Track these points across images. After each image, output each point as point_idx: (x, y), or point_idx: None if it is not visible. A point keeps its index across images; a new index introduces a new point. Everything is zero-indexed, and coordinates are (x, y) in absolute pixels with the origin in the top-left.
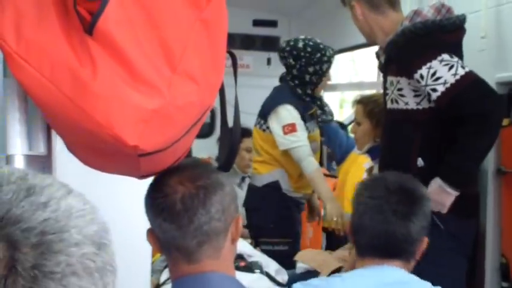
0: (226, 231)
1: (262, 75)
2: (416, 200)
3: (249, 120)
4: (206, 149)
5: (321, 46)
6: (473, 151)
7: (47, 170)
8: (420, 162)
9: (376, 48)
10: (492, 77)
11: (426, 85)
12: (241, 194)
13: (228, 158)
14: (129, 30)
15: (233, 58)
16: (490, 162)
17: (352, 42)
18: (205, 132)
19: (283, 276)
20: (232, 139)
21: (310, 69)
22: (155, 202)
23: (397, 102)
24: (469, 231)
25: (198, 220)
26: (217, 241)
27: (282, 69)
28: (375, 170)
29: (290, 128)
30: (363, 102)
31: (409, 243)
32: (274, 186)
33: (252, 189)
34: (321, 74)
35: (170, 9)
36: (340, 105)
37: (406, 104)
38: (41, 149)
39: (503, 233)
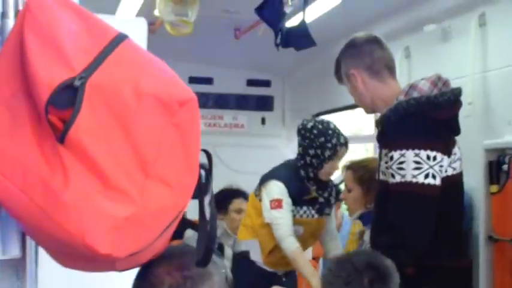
0: None
1: (256, 135)
2: (388, 275)
3: (242, 180)
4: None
5: (329, 132)
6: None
7: (21, 274)
8: None
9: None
10: (479, 143)
11: (390, 167)
12: None
13: (205, 253)
14: (101, 138)
15: (208, 156)
16: (481, 229)
17: (346, 102)
18: (198, 193)
19: None
20: (210, 233)
21: (311, 152)
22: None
23: (384, 174)
24: None
25: None
26: None
27: (276, 129)
28: (366, 236)
29: (276, 204)
30: (353, 169)
31: None
32: (245, 255)
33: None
34: (322, 159)
35: (142, 116)
36: None
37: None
38: (15, 252)
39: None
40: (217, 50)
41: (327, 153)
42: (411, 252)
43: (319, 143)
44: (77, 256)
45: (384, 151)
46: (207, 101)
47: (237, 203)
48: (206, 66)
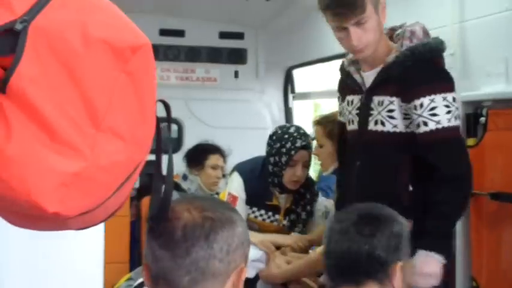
0: (226, 277)
1: (229, 89)
2: (383, 219)
3: (215, 135)
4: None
5: (285, 136)
6: (451, 212)
7: None
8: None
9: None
10: (458, 95)
11: (420, 115)
12: None
13: (160, 209)
14: (47, 87)
15: (166, 107)
16: None
17: (320, 54)
18: (172, 147)
19: None
20: (166, 189)
21: (271, 159)
22: (155, 225)
23: (382, 124)
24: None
25: (196, 253)
26: (213, 285)
27: (250, 83)
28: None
29: (231, 199)
30: (322, 124)
31: (376, 261)
32: None
33: None
34: (280, 166)
35: (91, 62)
36: (315, 110)
37: (395, 126)
38: None
39: (473, 256)
40: (189, 1)
41: (283, 159)
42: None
43: (275, 149)
44: (26, 215)
45: (382, 99)
46: (178, 53)
47: (213, 159)
48: (177, 18)
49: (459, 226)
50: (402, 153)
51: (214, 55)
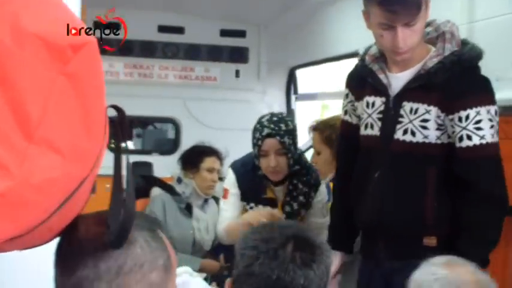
0: None
1: (230, 88)
2: (317, 247)
3: (214, 136)
4: (169, 167)
5: (257, 126)
6: (490, 235)
7: None
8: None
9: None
10: None
11: (465, 128)
12: (205, 217)
13: (120, 231)
14: None
15: (120, 114)
16: None
17: (324, 54)
18: (168, 148)
19: None
20: (127, 209)
21: (253, 152)
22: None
23: (413, 134)
24: None
25: (80, 272)
26: None
27: (251, 83)
28: None
29: (224, 193)
30: (319, 129)
31: None
32: None
33: None
34: (256, 157)
35: (24, 62)
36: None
37: (425, 137)
38: None
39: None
40: None
41: (255, 150)
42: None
43: (252, 141)
44: None
45: (417, 106)
46: (177, 51)
47: (209, 162)
48: (177, 14)
49: None
50: (429, 165)
51: (214, 53)
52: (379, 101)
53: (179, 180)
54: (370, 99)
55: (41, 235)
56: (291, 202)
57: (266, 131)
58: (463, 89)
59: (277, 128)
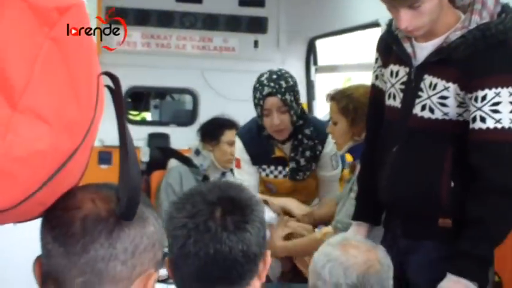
0: (129, 283)
1: (248, 59)
2: (246, 206)
3: (233, 108)
4: (186, 139)
5: (256, 86)
6: (495, 233)
7: None
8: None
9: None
10: None
11: (479, 109)
12: None
13: (128, 205)
14: None
15: (115, 81)
16: None
17: (345, 24)
18: (186, 120)
19: None
20: (132, 180)
21: (256, 112)
22: (50, 215)
23: (431, 110)
24: None
25: (94, 251)
26: None
27: (270, 53)
28: (357, 171)
29: (236, 163)
30: (336, 99)
31: (250, 261)
32: None
33: None
34: (259, 117)
35: (7, 26)
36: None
37: (445, 114)
38: None
39: (496, 250)
40: None
41: (258, 110)
42: None
43: (253, 101)
44: None
45: (436, 81)
46: (195, 21)
47: (229, 135)
48: None
49: None
50: (448, 143)
51: (233, 23)
52: (402, 71)
53: (197, 153)
54: (394, 68)
55: (32, 209)
56: (297, 158)
57: (266, 89)
58: (484, 66)
59: (277, 86)
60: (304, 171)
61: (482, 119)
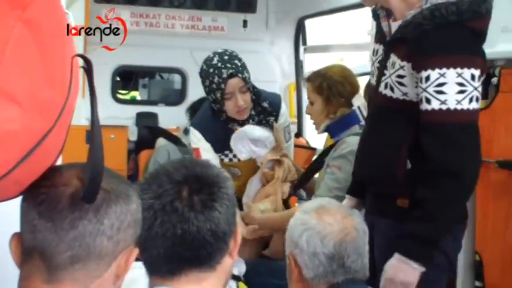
0: (113, 258)
1: (237, 39)
2: (212, 183)
3: None
4: (175, 118)
5: (210, 70)
6: (438, 215)
7: None
8: (407, 163)
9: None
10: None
11: (425, 89)
12: None
13: (91, 183)
14: None
15: (87, 64)
16: None
17: (334, 4)
18: (174, 99)
19: (240, 268)
20: (95, 162)
21: (209, 97)
22: (36, 191)
23: (392, 89)
24: (462, 236)
25: (83, 227)
26: (97, 265)
27: (259, 33)
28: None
29: (195, 154)
30: (311, 79)
31: (220, 239)
32: None
33: None
34: (219, 102)
35: None
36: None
37: (405, 94)
38: None
39: (477, 229)
40: None
41: (218, 94)
42: (468, 194)
43: (207, 87)
44: None
45: (395, 60)
46: (184, 0)
47: None
48: None
49: None
50: (408, 124)
51: (222, 3)
52: (380, 49)
53: (186, 132)
54: (375, 46)
55: (8, 188)
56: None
57: (226, 72)
58: (429, 46)
59: (234, 66)
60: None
61: (428, 100)
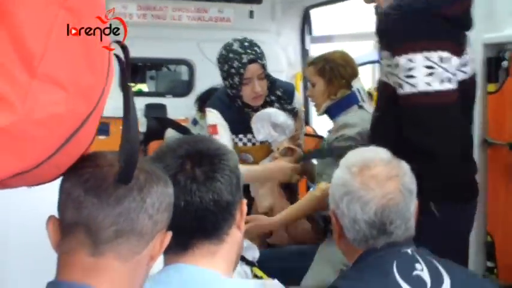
0: (151, 237)
1: (244, 29)
2: (214, 155)
3: None
4: (183, 109)
5: (230, 56)
6: None
7: None
8: None
9: None
10: (478, 37)
11: (397, 76)
12: None
13: (126, 166)
14: None
15: (125, 52)
16: (475, 132)
17: None
18: (182, 91)
19: (253, 254)
20: (130, 144)
21: (226, 83)
22: (80, 171)
23: (387, 77)
24: (466, 216)
25: (128, 203)
26: (138, 242)
27: (265, 23)
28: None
29: (211, 129)
30: (313, 63)
31: (223, 209)
32: None
33: None
34: (236, 88)
35: None
36: None
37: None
38: None
39: (489, 209)
40: None
41: (236, 80)
42: (446, 175)
43: (225, 72)
44: None
45: (385, 53)
46: None
47: None
48: None
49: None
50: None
51: None
52: None
53: (195, 122)
54: None
55: (47, 172)
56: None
57: (246, 57)
58: (398, 34)
59: (254, 52)
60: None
61: (400, 86)
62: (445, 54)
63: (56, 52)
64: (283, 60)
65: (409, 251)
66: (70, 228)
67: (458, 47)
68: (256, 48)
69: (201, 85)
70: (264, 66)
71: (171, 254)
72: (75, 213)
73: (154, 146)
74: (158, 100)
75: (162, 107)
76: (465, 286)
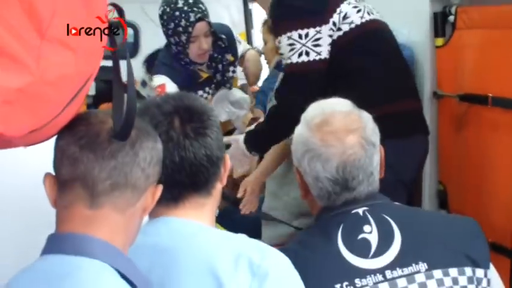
0: (143, 191)
1: None
2: (202, 112)
3: None
4: None
5: (176, 14)
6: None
7: None
8: None
9: None
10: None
11: (282, 54)
12: None
13: (125, 123)
14: None
15: (120, 12)
16: (425, 85)
17: None
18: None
19: None
20: (129, 102)
21: (171, 40)
22: (74, 129)
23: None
24: (411, 152)
25: (121, 158)
26: (132, 194)
27: None
28: None
29: (159, 90)
30: (267, 22)
31: (214, 164)
32: None
33: None
34: (183, 46)
35: None
36: None
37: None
38: None
39: (440, 159)
40: None
41: (183, 38)
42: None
43: (171, 30)
44: None
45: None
46: None
47: None
48: None
49: None
50: None
51: None
52: None
53: (144, 84)
54: None
55: (48, 131)
56: (219, 69)
57: (193, 16)
58: (273, 19)
59: (201, 10)
60: (229, 79)
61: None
62: (303, 31)
63: (62, 15)
64: (226, 20)
65: (360, 211)
66: (67, 184)
67: (322, 17)
68: (201, 6)
69: (146, 47)
70: (210, 24)
71: (163, 207)
72: (71, 169)
73: (104, 108)
74: (104, 63)
75: (109, 70)
76: (419, 240)
